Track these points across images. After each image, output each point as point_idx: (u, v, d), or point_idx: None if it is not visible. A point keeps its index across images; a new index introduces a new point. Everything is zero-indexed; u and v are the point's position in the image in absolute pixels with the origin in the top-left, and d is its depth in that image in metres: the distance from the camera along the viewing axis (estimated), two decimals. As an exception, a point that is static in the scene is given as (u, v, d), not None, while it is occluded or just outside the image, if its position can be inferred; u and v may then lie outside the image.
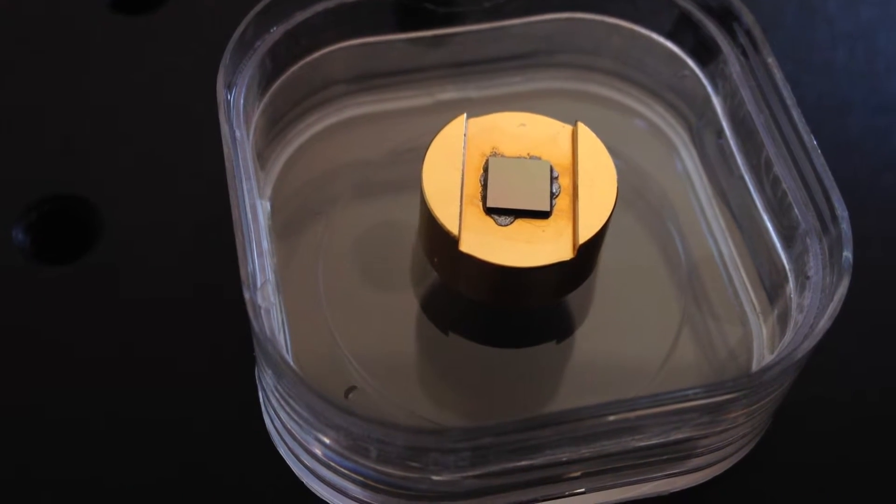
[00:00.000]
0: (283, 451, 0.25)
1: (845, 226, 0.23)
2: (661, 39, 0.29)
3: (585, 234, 0.23)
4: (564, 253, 0.23)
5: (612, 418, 0.21)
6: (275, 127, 0.28)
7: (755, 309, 0.26)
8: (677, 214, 0.28)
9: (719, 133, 0.27)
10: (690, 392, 0.22)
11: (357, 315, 0.26)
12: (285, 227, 0.27)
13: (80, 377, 0.26)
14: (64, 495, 0.24)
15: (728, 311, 0.26)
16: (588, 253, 0.24)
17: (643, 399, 0.22)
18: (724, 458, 0.25)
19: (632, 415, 0.21)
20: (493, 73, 0.30)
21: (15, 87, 0.30)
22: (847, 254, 0.23)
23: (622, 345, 0.26)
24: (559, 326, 0.26)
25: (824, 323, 0.22)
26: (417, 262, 0.27)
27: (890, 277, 0.28)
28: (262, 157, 0.28)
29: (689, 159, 0.29)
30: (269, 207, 0.27)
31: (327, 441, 0.22)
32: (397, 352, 0.26)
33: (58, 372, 0.26)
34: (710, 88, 0.28)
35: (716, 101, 0.28)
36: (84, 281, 0.27)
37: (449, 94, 0.29)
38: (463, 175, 0.24)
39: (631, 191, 0.28)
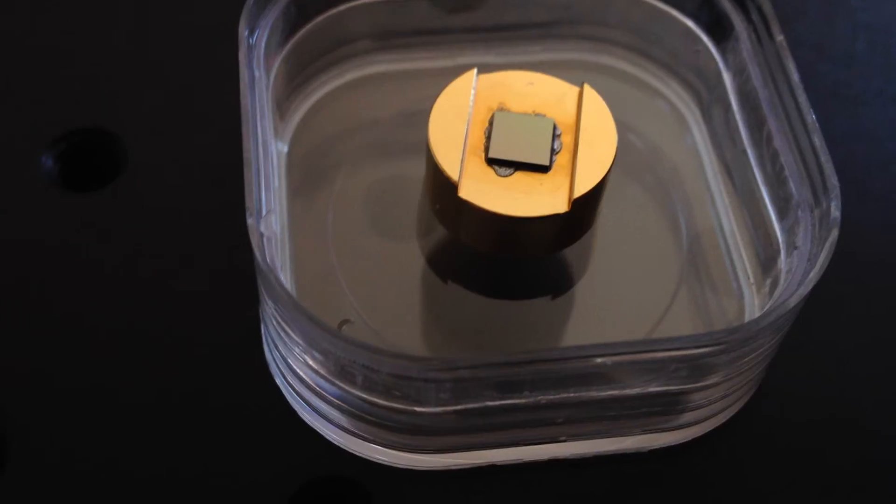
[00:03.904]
0: (279, 381, 0.25)
1: (835, 195, 0.24)
2: (680, 16, 0.29)
3: (581, 189, 0.24)
4: (560, 206, 0.24)
5: (598, 360, 0.22)
6: (296, 78, 0.29)
7: (749, 280, 0.27)
8: (685, 187, 0.28)
9: (728, 108, 0.28)
10: (672, 341, 0.22)
11: (361, 258, 0.27)
12: (301, 176, 0.28)
13: (105, 291, 0.27)
14: (61, 406, 0.26)
15: (724, 281, 0.27)
16: (583, 208, 0.25)
17: (624, 343, 0.22)
18: (706, 419, 0.25)
19: (611, 359, 0.22)
20: (513, 41, 0.30)
21: (49, 29, 0.31)
22: (836, 214, 0.23)
23: (617, 304, 0.27)
24: (556, 281, 0.27)
25: (804, 287, 0.23)
26: (423, 216, 0.28)
27: (891, 266, 0.29)
28: (283, 108, 0.28)
29: (699, 133, 0.29)
30: (285, 150, 0.28)
31: (316, 366, 0.23)
32: (395, 295, 0.27)
33: (86, 286, 0.27)
34: (721, 64, 0.28)
35: (726, 77, 0.28)
36: (106, 208, 0.28)
37: (469, 58, 0.30)
38: (468, 126, 0.25)
39: (641, 163, 0.29)
